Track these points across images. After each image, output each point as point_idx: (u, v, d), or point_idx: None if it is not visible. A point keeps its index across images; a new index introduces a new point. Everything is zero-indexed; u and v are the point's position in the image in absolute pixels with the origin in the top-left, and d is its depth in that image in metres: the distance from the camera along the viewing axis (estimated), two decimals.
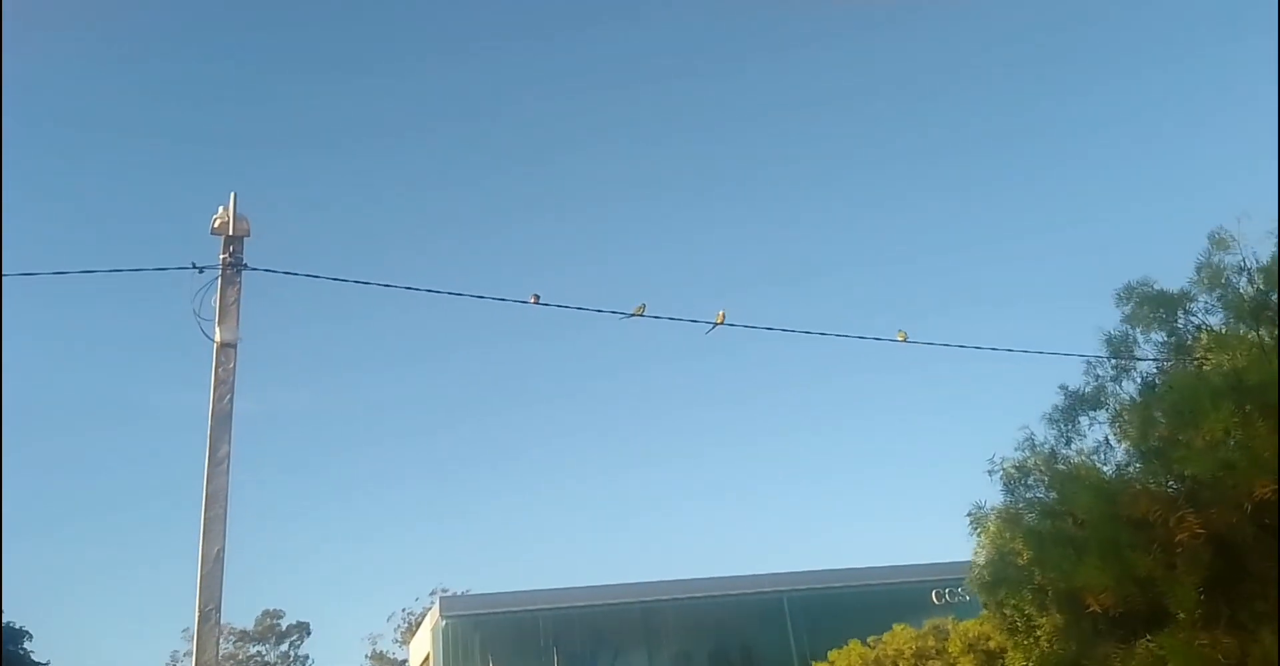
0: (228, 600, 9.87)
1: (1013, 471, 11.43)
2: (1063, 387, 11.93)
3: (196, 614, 9.69)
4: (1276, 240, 10.61)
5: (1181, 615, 8.73)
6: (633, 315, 13.63)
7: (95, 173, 71.13)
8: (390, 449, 78.66)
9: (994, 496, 12.10)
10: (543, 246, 71.68)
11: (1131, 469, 10.82)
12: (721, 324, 13.94)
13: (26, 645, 30.25)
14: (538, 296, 12.94)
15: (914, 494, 75.97)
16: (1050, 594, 9.99)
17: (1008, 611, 10.94)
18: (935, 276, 72.76)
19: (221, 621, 9.90)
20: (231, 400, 10.52)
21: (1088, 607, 9.20)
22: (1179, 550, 8.69)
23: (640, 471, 76.38)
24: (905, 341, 14.32)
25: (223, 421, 10.44)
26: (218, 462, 10.22)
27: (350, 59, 72.38)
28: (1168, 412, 9.35)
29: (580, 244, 74.21)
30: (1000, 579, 10.59)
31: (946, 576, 35.78)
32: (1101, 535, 8.89)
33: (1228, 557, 8.77)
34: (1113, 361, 11.82)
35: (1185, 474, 8.96)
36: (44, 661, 31.84)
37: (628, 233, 74.77)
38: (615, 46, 72.24)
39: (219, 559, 9.87)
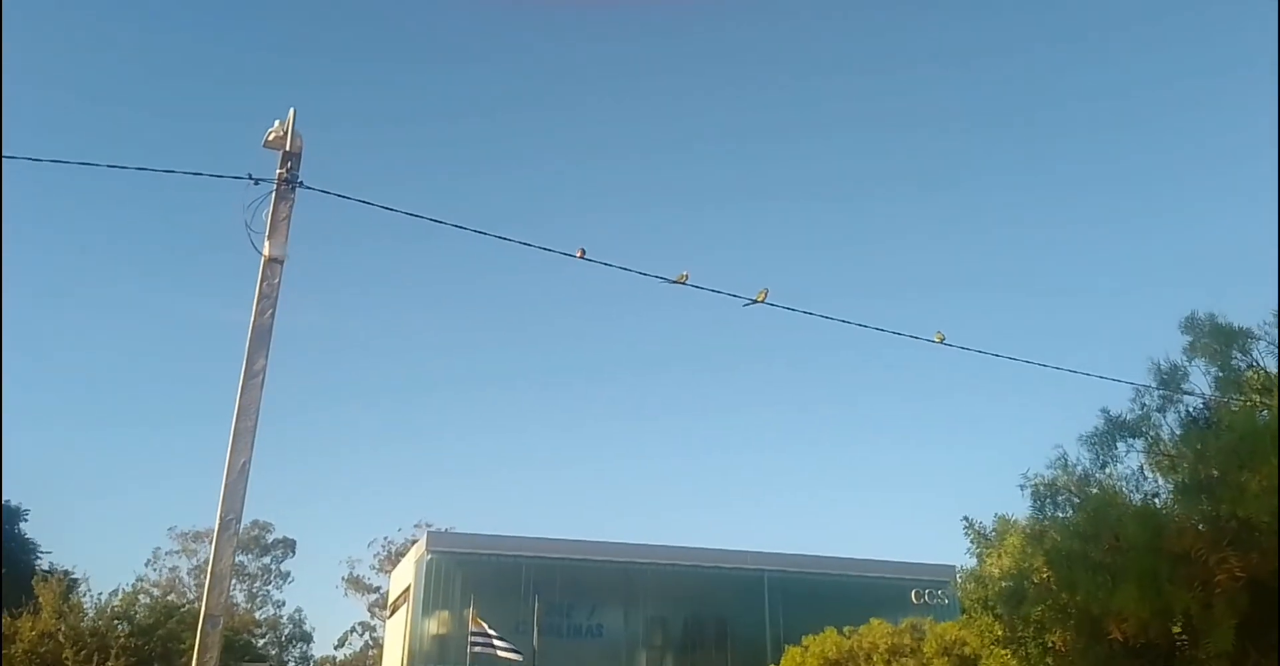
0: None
1: (1043, 488, 11.31)
2: (1104, 411, 11.79)
3: (217, 522, 9.61)
4: None
5: (1208, 655, 8.61)
6: (675, 282, 13.46)
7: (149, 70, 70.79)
8: (395, 377, 79.03)
9: (1012, 508, 11.99)
10: (595, 198, 71.40)
11: (1161, 500, 10.69)
12: (761, 301, 13.76)
13: (21, 525, 30.74)
14: (583, 251, 12.76)
15: (904, 494, 76.24)
16: (1071, 615, 9.89)
17: (1019, 625, 10.86)
18: (983, 276, 72.13)
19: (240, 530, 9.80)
20: (273, 315, 10.38)
21: (1108, 634, 9.10)
22: (1217, 590, 8.55)
23: (632, 434, 76.71)
24: (942, 342, 14.15)
25: (262, 335, 10.30)
26: (253, 375, 10.08)
27: None
28: (1223, 451, 9.17)
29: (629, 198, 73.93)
30: (1019, 593, 10.48)
31: (926, 577, 36.09)
32: (1141, 565, 8.75)
33: (1263, 604, 8.63)
34: (1160, 392, 11.64)
35: (1238, 514, 8.80)
36: (35, 542, 32.35)
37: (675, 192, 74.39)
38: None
39: (244, 471, 9.76)
